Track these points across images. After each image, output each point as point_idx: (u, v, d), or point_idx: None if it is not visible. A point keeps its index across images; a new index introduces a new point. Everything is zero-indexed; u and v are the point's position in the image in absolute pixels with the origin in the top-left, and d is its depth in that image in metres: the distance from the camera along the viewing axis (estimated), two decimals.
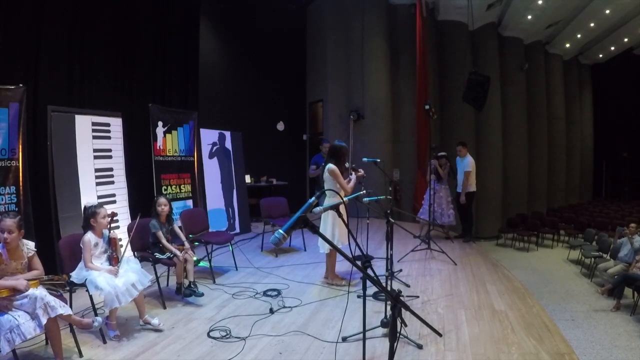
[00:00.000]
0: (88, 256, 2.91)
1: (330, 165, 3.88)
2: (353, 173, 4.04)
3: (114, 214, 3.29)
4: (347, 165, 4.06)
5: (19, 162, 3.68)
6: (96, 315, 2.86)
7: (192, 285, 3.60)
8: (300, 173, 9.30)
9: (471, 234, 6.33)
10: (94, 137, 4.53)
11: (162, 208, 3.77)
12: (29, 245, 2.64)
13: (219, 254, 5.12)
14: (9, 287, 2.37)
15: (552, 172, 13.60)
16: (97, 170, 4.52)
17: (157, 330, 3.04)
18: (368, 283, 1.78)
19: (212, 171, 6.35)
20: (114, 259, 3.04)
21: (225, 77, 7.92)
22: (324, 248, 4.09)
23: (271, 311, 3.38)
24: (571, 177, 14.79)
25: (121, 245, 3.23)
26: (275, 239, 1.43)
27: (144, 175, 5.25)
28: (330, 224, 3.93)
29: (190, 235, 4.27)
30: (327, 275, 4.16)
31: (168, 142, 5.53)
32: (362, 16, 9.08)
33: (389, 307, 2.89)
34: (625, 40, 13.34)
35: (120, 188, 4.77)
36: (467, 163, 6.20)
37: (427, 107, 5.74)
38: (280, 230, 1.43)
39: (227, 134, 6.69)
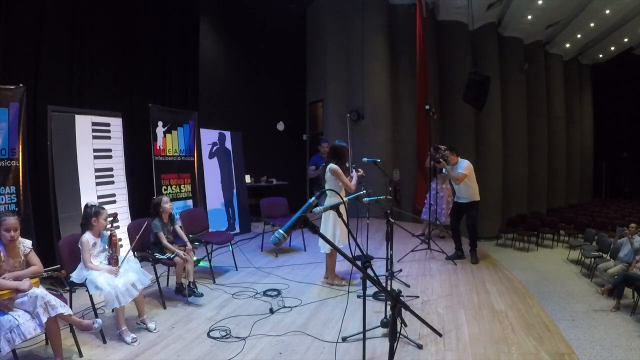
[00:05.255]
0: (87, 256, 2.91)
1: (332, 165, 3.88)
2: (354, 171, 4.05)
3: (115, 215, 3.29)
4: (347, 165, 4.06)
5: (19, 162, 3.68)
6: (96, 316, 2.87)
7: (192, 286, 3.60)
8: (300, 173, 9.29)
9: (476, 252, 5.05)
10: (94, 137, 4.53)
11: (168, 206, 3.77)
12: (25, 243, 2.65)
13: (219, 254, 5.12)
14: (12, 287, 2.39)
15: (552, 172, 13.61)
16: (97, 170, 4.53)
17: (154, 331, 3.04)
18: (368, 283, 1.78)
19: (212, 171, 6.35)
20: (114, 260, 3.04)
21: (225, 77, 7.92)
22: (325, 248, 4.09)
23: (271, 311, 3.38)
24: (571, 177, 14.80)
25: (121, 246, 3.23)
26: (275, 239, 1.43)
27: (144, 175, 5.25)
28: (332, 224, 3.93)
29: (191, 235, 4.26)
30: (327, 275, 4.16)
31: (168, 142, 5.53)
32: (362, 16, 9.08)
33: (389, 307, 2.89)
34: (625, 40, 13.35)
35: (120, 188, 4.77)
36: (462, 166, 4.99)
37: (427, 107, 5.73)
38: (280, 230, 1.43)
39: (227, 134, 6.69)
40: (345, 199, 3.31)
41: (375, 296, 3.60)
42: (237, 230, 6.58)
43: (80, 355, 2.65)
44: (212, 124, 6.61)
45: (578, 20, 11.71)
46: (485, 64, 10.66)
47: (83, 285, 2.90)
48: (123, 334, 2.86)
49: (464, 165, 4.98)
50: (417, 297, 3.74)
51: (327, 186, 3.91)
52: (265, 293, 3.81)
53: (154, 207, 3.74)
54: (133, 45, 5.52)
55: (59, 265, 2.83)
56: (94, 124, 4.53)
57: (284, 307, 3.49)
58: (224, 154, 6.60)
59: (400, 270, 4.52)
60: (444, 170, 5.39)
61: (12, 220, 2.50)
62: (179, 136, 5.72)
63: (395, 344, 1.54)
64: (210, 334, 2.98)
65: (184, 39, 6.40)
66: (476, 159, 10.43)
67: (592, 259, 7.77)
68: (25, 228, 3.49)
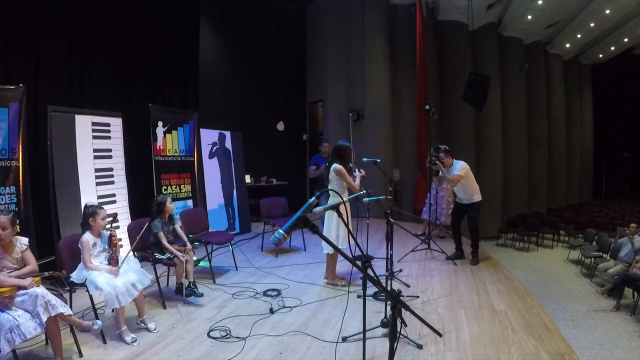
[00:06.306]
0: (87, 256, 2.91)
1: (336, 165, 3.88)
2: (357, 171, 4.05)
3: (115, 215, 3.29)
4: (351, 165, 4.07)
5: (19, 162, 3.69)
6: (97, 316, 2.87)
7: (192, 286, 3.60)
8: (300, 173, 9.30)
9: (477, 254, 4.98)
10: (94, 137, 4.53)
11: (171, 206, 3.80)
12: (22, 241, 2.66)
13: (219, 254, 5.12)
14: (14, 284, 2.40)
15: (552, 172, 13.61)
16: (97, 170, 4.52)
17: (154, 331, 3.05)
18: (368, 283, 1.78)
19: (212, 171, 6.35)
20: (114, 260, 3.04)
21: (225, 77, 7.92)
22: (328, 248, 4.09)
23: (271, 311, 3.38)
24: (571, 177, 14.79)
25: (121, 246, 3.23)
26: (275, 239, 1.44)
27: (144, 175, 5.25)
28: (335, 224, 3.92)
29: (191, 235, 4.26)
30: (328, 275, 4.16)
31: (168, 142, 5.53)
32: (362, 16, 9.08)
33: (389, 307, 2.89)
34: (625, 40, 13.35)
35: (120, 188, 4.77)
36: (457, 167, 4.86)
37: (427, 107, 5.73)
38: (280, 230, 1.43)
39: (227, 134, 6.69)
40: (345, 199, 3.32)
41: (375, 296, 3.59)
42: (237, 230, 6.58)
43: (80, 355, 2.65)
44: (212, 124, 6.61)
45: (578, 20, 11.71)
46: (485, 64, 10.66)
47: (83, 285, 2.90)
48: (123, 334, 2.86)
49: (459, 167, 4.83)
50: (417, 297, 3.74)
51: (330, 186, 3.92)
52: (265, 293, 3.81)
53: (158, 205, 3.74)
54: (133, 45, 5.52)
55: (52, 257, 2.84)
56: (94, 124, 4.52)
57: (284, 307, 3.49)
58: (224, 154, 6.60)
59: (400, 270, 4.52)
60: (440, 173, 5.29)
61: (2, 219, 2.50)
62: (179, 136, 5.72)
63: (395, 344, 1.54)
64: (210, 334, 2.98)
65: (184, 39, 6.39)
66: (476, 159, 10.44)
67: (592, 259, 7.77)
68: (25, 228, 3.51)
